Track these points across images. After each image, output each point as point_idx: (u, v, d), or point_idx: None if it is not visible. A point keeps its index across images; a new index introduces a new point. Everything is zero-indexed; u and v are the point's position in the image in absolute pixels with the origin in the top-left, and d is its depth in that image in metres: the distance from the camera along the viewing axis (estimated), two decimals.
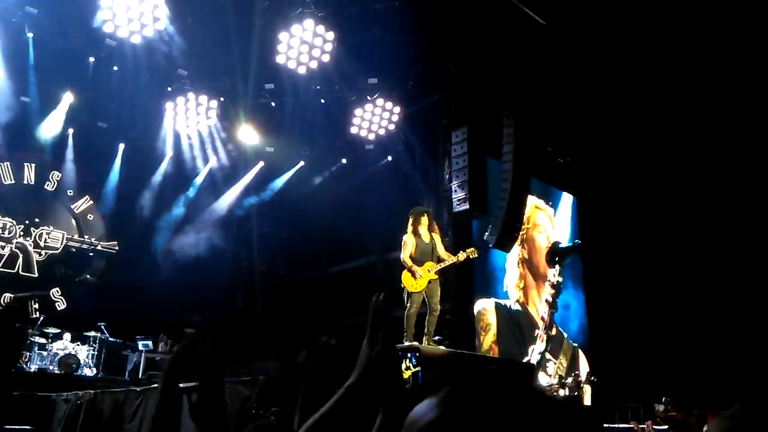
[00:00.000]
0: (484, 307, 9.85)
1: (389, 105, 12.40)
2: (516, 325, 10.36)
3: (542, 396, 0.75)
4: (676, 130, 11.19)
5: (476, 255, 7.91)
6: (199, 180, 14.22)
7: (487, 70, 10.78)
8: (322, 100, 12.66)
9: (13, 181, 12.71)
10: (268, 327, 13.47)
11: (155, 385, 7.47)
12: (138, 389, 7.05)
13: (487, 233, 9.95)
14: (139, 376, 9.99)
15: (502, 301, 10.38)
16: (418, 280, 7.53)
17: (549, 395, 0.77)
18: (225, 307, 14.03)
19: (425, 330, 7.55)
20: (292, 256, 15.33)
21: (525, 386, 0.76)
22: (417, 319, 7.56)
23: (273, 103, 12.90)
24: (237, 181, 14.55)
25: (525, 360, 10.33)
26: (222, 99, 12.70)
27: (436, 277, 7.60)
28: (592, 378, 10.04)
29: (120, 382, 9.89)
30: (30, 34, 10.98)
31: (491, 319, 9.99)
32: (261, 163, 14.48)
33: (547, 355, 10.50)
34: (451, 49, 11.16)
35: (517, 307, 10.65)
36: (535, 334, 10.61)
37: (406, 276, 7.69)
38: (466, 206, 10.28)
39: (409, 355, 5.87)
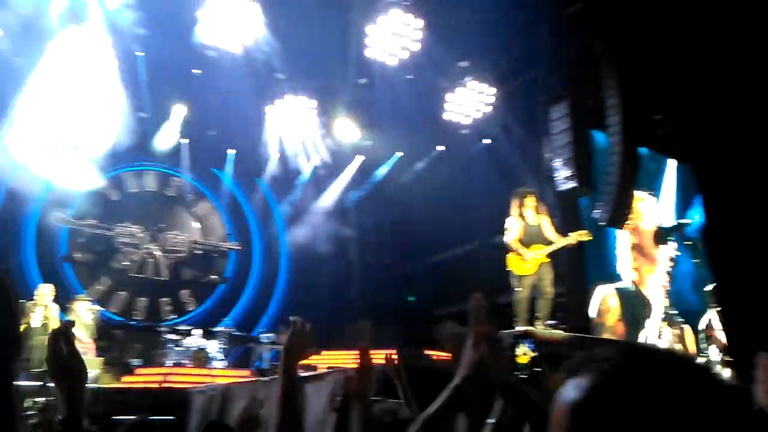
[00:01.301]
0: (606, 293, 9.92)
1: (483, 87, 12.18)
2: (634, 305, 10.36)
3: (727, 386, 0.69)
4: None
5: (590, 238, 7.62)
6: (304, 179, 14.77)
7: (585, 40, 10.29)
8: (415, 89, 12.65)
9: (137, 190, 13.85)
10: (381, 318, 13.77)
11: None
12: (264, 380, 7.48)
13: (597, 211, 9.55)
14: (265, 367, 10.57)
15: (620, 285, 10.28)
16: (527, 263, 7.38)
17: (732, 384, 0.70)
18: (339, 299, 14.51)
19: (538, 314, 7.40)
20: (397, 246, 15.54)
21: (698, 371, 0.71)
22: (529, 303, 7.43)
23: (367, 97, 13.09)
24: (339, 176, 14.95)
25: (642, 332, 10.18)
26: (319, 98, 13.08)
27: (547, 260, 7.41)
28: (727, 357, 9.38)
29: (247, 374, 10.53)
30: (140, 54, 11.82)
31: (612, 302, 9.97)
32: (360, 157, 14.77)
33: (663, 327, 10.25)
34: (544, 22, 10.77)
35: (632, 287, 10.54)
36: (650, 311, 10.50)
37: (512, 260, 7.56)
38: (573, 184, 9.92)
39: (524, 340, 5.79)
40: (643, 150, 11.06)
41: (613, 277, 10.50)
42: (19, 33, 10.44)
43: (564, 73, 10.60)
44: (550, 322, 7.58)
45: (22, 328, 9.02)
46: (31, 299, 9.34)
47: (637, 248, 11.20)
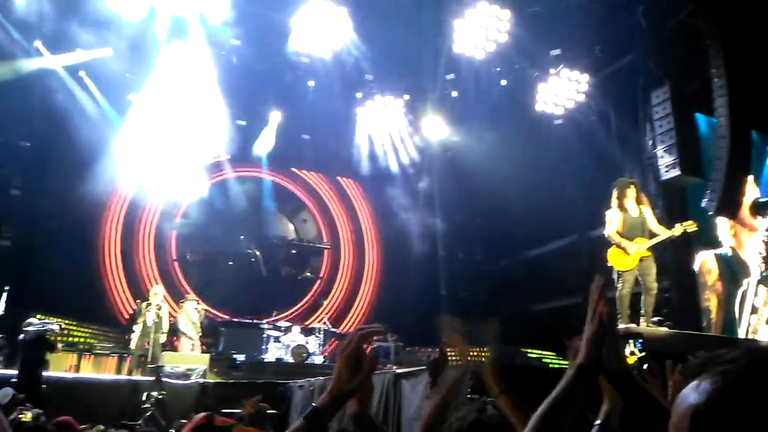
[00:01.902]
0: (705, 257, 9.90)
1: (575, 75, 11.72)
2: (731, 267, 10.31)
3: None
4: None
5: (696, 228, 7.14)
6: (393, 177, 14.92)
7: (687, 18, 9.63)
8: (504, 82, 12.41)
9: (239, 195, 14.56)
10: (472, 313, 13.65)
11: (377, 371, 8.00)
12: None
13: (705, 199, 8.91)
14: None
15: (719, 251, 10.15)
16: (629, 257, 7.03)
17: None
18: (429, 296, 14.53)
19: (641, 311, 7.02)
20: (488, 242, 15.34)
21: None
22: (631, 299, 7.07)
23: (455, 93, 12.99)
24: (428, 174, 14.96)
25: (740, 290, 9.93)
26: (407, 97, 13.15)
27: (649, 253, 7.02)
28: None
29: None
30: (237, 64, 12.40)
31: (712, 265, 9.93)
32: (449, 154, 14.71)
33: (760, 287, 10.12)
34: (640, 2, 10.19)
35: (730, 253, 10.40)
36: (748, 272, 10.37)
37: (613, 254, 7.22)
38: (677, 172, 9.31)
39: (631, 339, 5.45)
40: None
41: (714, 243, 10.10)
42: (127, 52, 11.29)
43: (664, 55, 9.98)
44: (654, 319, 7.18)
45: (138, 327, 9.71)
46: (146, 300, 10.09)
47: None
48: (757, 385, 0.64)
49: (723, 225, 10.64)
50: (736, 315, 9.50)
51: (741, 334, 9.40)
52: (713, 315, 9.50)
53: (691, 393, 0.68)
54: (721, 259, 10.17)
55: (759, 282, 10.28)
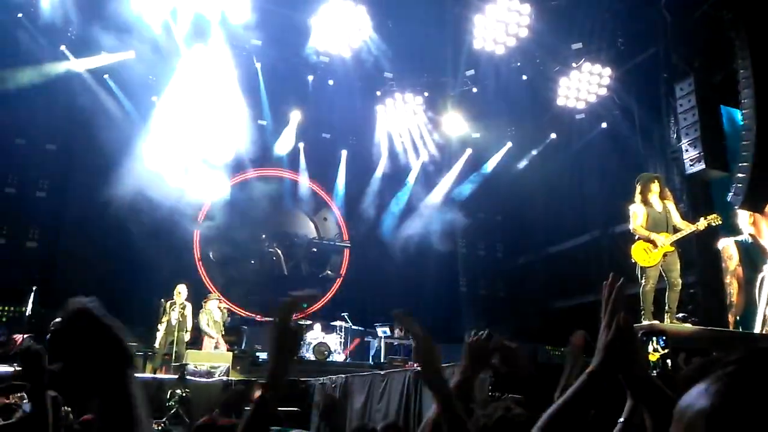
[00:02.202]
0: (726, 244, 10.09)
1: (597, 68, 11.56)
2: (751, 253, 10.45)
3: None
4: None
5: (720, 222, 7.01)
6: (413, 174, 14.89)
7: (711, 9, 9.44)
8: (524, 76, 12.30)
9: (261, 194, 14.64)
10: (492, 310, 13.58)
11: (398, 369, 8.03)
12: (382, 372, 7.62)
13: (731, 193, 8.74)
14: (381, 360, 10.80)
15: (738, 237, 10.21)
16: (652, 253, 6.93)
17: None
18: (449, 292, 14.48)
19: (666, 307, 6.91)
20: (510, 238, 15.24)
21: None
22: (655, 295, 6.97)
23: (475, 89, 12.92)
24: (448, 170, 14.90)
25: (760, 275, 9.88)
26: (426, 94, 13.11)
27: (673, 249, 6.90)
28: None
29: (365, 366, 10.81)
30: (258, 64, 12.50)
31: (733, 251, 10.11)
32: (468, 150, 14.64)
33: None
34: None
35: (749, 239, 10.47)
36: (766, 261, 10.35)
37: (636, 249, 7.11)
38: (702, 166, 9.15)
39: (655, 337, 5.36)
40: None
41: (734, 231, 10.08)
42: (150, 55, 11.46)
43: (687, 48, 9.81)
44: (679, 315, 7.06)
45: (163, 326, 9.83)
46: (170, 299, 10.21)
47: None
48: (764, 383, 0.61)
49: (743, 213, 10.69)
50: (756, 298, 9.46)
51: (759, 315, 9.42)
52: (734, 297, 9.56)
53: (700, 397, 0.64)
54: (741, 246, 10.25)
55: None
